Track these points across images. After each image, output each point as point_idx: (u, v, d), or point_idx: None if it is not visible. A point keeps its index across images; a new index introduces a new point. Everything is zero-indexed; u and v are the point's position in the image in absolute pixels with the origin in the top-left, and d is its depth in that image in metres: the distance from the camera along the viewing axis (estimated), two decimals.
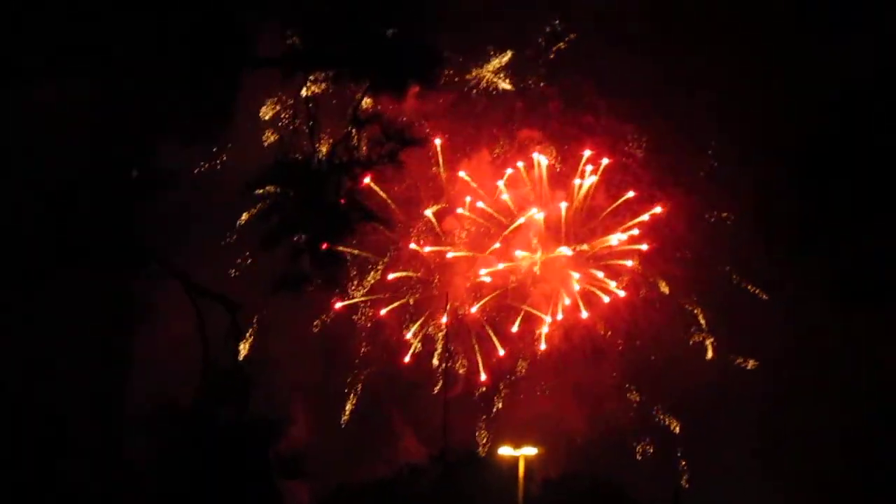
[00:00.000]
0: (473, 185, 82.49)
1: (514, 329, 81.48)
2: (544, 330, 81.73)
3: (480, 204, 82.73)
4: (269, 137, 75.18)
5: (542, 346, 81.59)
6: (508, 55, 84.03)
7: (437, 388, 79.11)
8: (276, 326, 74.59)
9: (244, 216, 73.75)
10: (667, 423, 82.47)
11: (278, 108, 76.07)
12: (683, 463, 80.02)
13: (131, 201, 18.39)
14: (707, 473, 77.15)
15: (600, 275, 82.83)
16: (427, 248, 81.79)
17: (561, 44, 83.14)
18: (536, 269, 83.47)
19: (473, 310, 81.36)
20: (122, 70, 17.35)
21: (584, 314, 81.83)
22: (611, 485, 70.91)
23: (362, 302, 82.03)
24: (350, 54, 19.12)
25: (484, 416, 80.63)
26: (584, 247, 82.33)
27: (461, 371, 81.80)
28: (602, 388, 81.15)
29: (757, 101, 72.96)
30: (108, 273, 18.50)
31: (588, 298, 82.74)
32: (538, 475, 68.55)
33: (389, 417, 79.87)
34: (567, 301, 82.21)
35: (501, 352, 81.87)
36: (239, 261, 73.71)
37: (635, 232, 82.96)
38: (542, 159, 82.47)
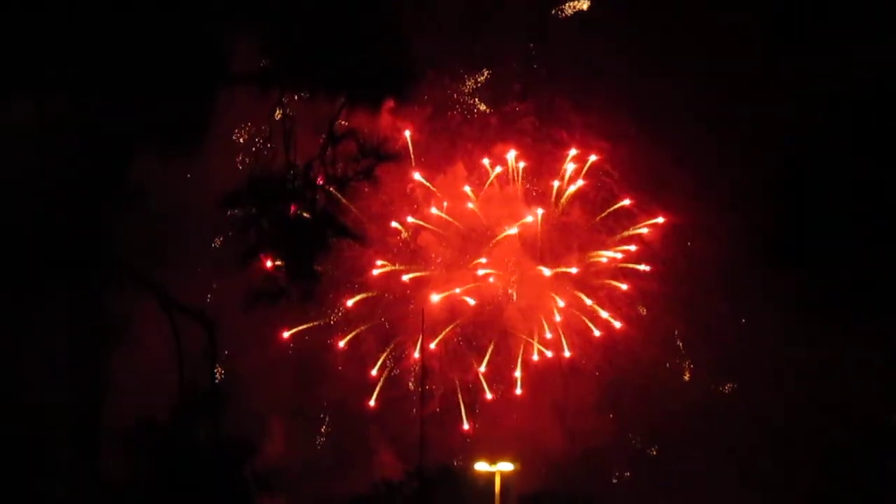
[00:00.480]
0: (442, 198, 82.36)
1: (482, 369, 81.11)
2: (518, 374, 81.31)
3: (434, 211, 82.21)
4: (244, 159, 75.17)
5: (518, 391, 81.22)
6: (485, 75, 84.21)
7: (415, 409, 78.98)
8: (252, 344, 74.42)
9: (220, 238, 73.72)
10: (643, 441, 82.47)
11: (252, 127, 76.01)
12: (659, 480, 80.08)
13: (108, 218, 18.39)
14: (683, 491, 77.22)
15: (588, 301, 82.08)
16: (377, 271, 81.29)
17: (534, 65, 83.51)
18: (512, 291, 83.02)
19: (432, 346, 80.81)
20: (98, 85, 17.37)
21: (567, 353, 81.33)
22: (586, 500, 70.88)
23: (338, 321, 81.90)
24: (326, 71, 19.19)
25: (461, 432, 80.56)
26: (573, 269, 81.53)
27: (438, 392, 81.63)
28: (580, 406, 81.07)
29: (738, 115, 73.30)
30: (86, 290, 18.48)
31: (571, 324, 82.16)
32: (514, 491, 68.44)
33: (366, 433, 79.68)
34: (548, 334, 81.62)
35: (489, 396, 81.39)
36: (215, 285, 73.48)
37: (632, 248, 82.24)
38: (515, 161, 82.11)
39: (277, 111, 20.33)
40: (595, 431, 79.79)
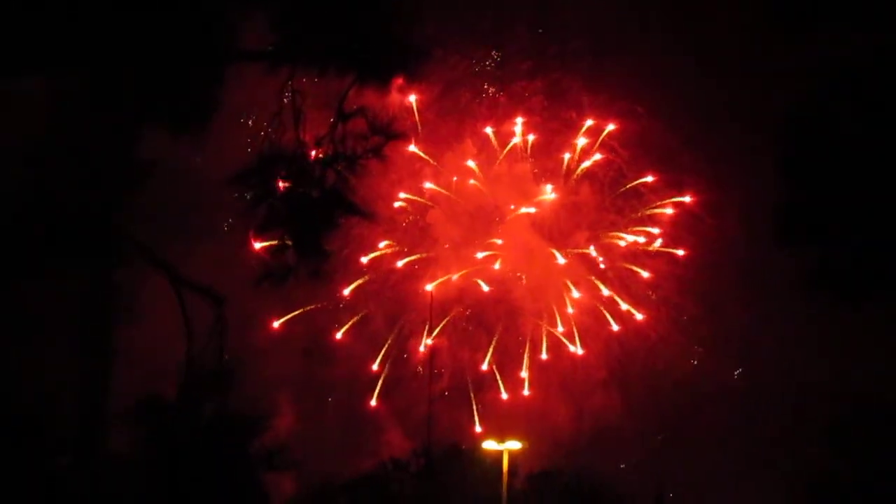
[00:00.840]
0: (449, 176, 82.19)
1: (485, 367, 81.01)
2: (525, 374, 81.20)
3: (428, 185, 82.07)
4: (250, 140, 75.13)
5: (526, 392, 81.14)
6: (493, 54, 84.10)
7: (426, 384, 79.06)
8: (261, 321, 74.58)
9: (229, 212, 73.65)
10: (652, 422, 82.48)
11: (261, 104, 75.90)
12: (667, 460, 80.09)
13: (115, 193, 18.41)
14: (690, 470, 77.31)
15: (606, 291, 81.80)
16: (365, 259, 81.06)
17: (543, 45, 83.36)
18: (522, 276, 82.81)
19: (427, 343, 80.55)
20: (106, 61, 17.37)
21: (580, 350, 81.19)
22: (594, 480, 70.97)
23: (346, 300, 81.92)
24: (334, 47, 19.16)
25: (469, 411, 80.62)
26: (590, 251, 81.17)
27: (447, 371, 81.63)
28: (588, 385, 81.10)
29: (746, 93, 73.19)
30: (94, 265, 18.51)
31: (586, 311, 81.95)
32: (522, 469, 68.54)
33: (374, 411, 79.86)
34: (561, 327, 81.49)
35: (504, 395, 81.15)
36: (224, 261, 73.32)
37: (655, 230, 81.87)
38: (523, 133, 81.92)
39: (287, 91, 20.31)
40: (603, 412, 79.85)
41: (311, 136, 20.45)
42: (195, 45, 17.92)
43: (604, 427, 79.51)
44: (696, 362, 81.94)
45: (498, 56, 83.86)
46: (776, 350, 75.73)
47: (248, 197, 20.47)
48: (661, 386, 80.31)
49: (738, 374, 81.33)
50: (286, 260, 20.25)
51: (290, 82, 19.82)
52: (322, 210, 20.24)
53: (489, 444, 64.46)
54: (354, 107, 20.06)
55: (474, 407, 79.63)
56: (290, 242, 20.31)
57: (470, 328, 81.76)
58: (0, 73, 17.40)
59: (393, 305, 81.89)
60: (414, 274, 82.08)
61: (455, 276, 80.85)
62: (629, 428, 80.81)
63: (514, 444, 63.45)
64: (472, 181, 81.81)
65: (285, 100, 20.19)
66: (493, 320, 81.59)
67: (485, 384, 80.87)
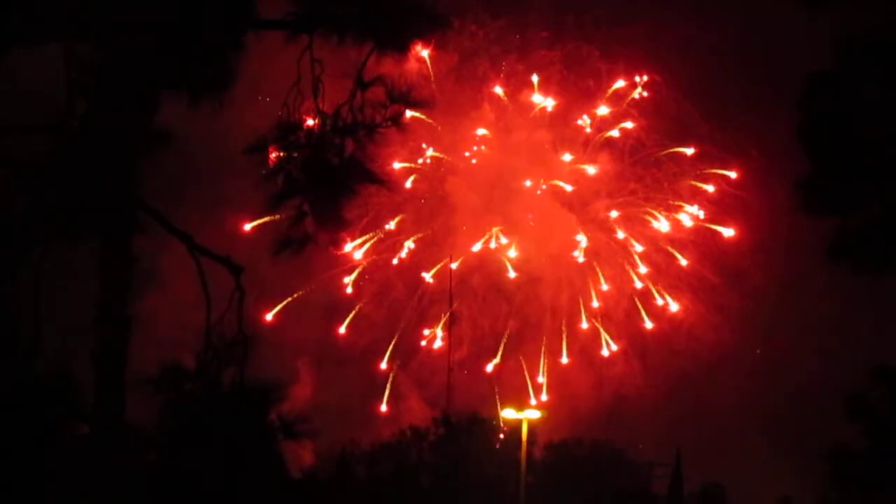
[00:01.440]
0: (463, 143, 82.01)
1: (494, 365, 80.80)
2: (543, 379, 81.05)
3: (426, 154, 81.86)
4: (271, 106, 74.82)
5: (544, 397, 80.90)
6: (512, 23, 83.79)
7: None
8: (281, 288, 74.69)
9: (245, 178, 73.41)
10: (670, 391, 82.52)
11: (279, 74, 75.51)
12: (686, 430, 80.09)
13: (133, 161, 18.41)
14: (708, 440, 77.35)
15: (639, 284, 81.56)
16: (356, 249, 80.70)
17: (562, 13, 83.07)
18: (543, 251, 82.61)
19: (432, 326, 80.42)
20: (123, 28, 17.35)
21: (606, 351, 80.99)
22: (613, 450, 71.07)
23: (365, 265, 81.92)
24: (353, 15, 19.08)
25: (488, 379, 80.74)
26: (621, 234, 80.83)
27: (467, 339, 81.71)
28: (608, 355, 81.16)
29: (767, 63, 72.90)
30: (114, 234, 18.53)
31: (608, 280, 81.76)
32: (541, 439, 68.64)
33: (394, 378, 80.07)
34: (584, 324, 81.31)
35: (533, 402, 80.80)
36: (243, 230, 73.51)
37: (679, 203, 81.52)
38: (544, 101, 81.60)
39: (308, 59, 20.22)
40: (622, 376, 79.92)
41: (327, 105, 20.40)
42: (214, 12, 17.88)
43: (623, 397, 79.63)
44: (716, 333, 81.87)
45: (516, 24, 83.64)
46: (796, 319, 75.60)
47: (264, 172, 20.43)
48: (681, 356, 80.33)
49: (759, 351, 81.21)
50: (304, 229, 20.22)
51: (310, 50, 19.77)
52: (340, 178, 20.20)
53: (509, 413, 64.55)
54: (371, 75, 19.95)
55: (498, 405, 79.89)
56: (307, 210, 20.28)
57: (488, 299, 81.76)
58: (17, 40, 17.41)
59: (412, 276, 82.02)
60: (434, 242, 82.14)
61: (477, 246, 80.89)
62: (649, 398, 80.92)
63: (533, 414, 63.53)
64: (479, 147, 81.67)
65: (301, 75, 20.11)
66: (512, 289, 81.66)
67: (504, 357, 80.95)
